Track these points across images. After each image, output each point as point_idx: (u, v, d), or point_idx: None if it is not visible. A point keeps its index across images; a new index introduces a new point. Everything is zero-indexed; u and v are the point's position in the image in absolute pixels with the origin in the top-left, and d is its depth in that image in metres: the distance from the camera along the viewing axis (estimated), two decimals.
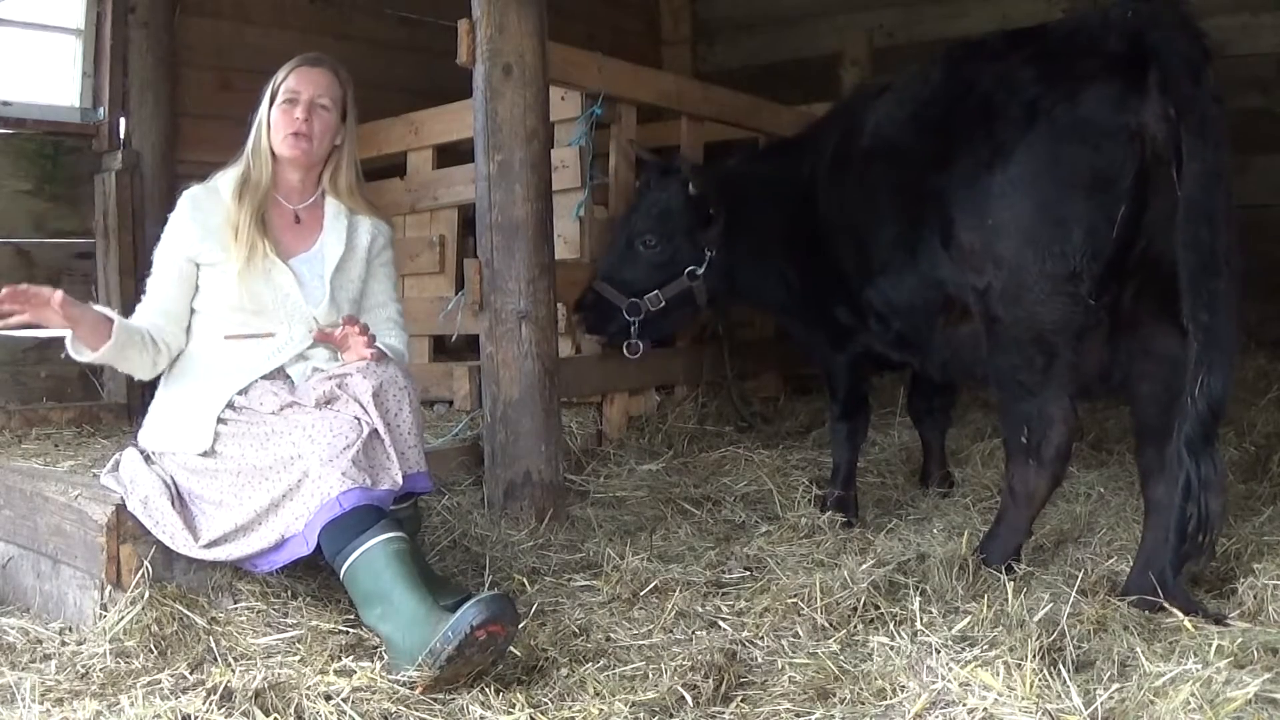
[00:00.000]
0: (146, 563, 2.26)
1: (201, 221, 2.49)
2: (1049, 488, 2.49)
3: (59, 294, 2.24)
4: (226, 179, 2.55)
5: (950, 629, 2.13)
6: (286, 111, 2.52)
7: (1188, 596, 2.24)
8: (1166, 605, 2.19)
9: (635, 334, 3.48)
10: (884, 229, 2.79)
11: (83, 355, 2.36)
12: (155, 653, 2.10)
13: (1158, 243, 2.27)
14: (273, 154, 2.55)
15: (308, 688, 1.90)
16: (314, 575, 2.43)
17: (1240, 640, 1.98)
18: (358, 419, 2.29)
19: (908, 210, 2.68)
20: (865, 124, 2.91)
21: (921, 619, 2.19)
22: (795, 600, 2.31)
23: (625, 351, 3.50)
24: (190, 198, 2.53)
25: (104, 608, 2.24)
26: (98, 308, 2.40)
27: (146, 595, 2.22)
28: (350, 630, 2.22)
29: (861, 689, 1.91)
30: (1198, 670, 1.83)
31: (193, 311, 2.52)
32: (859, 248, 2.93)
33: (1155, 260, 2.27)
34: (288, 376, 2.49)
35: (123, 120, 4.26)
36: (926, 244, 2.62)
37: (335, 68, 2.61)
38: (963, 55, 2.65)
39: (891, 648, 2.07)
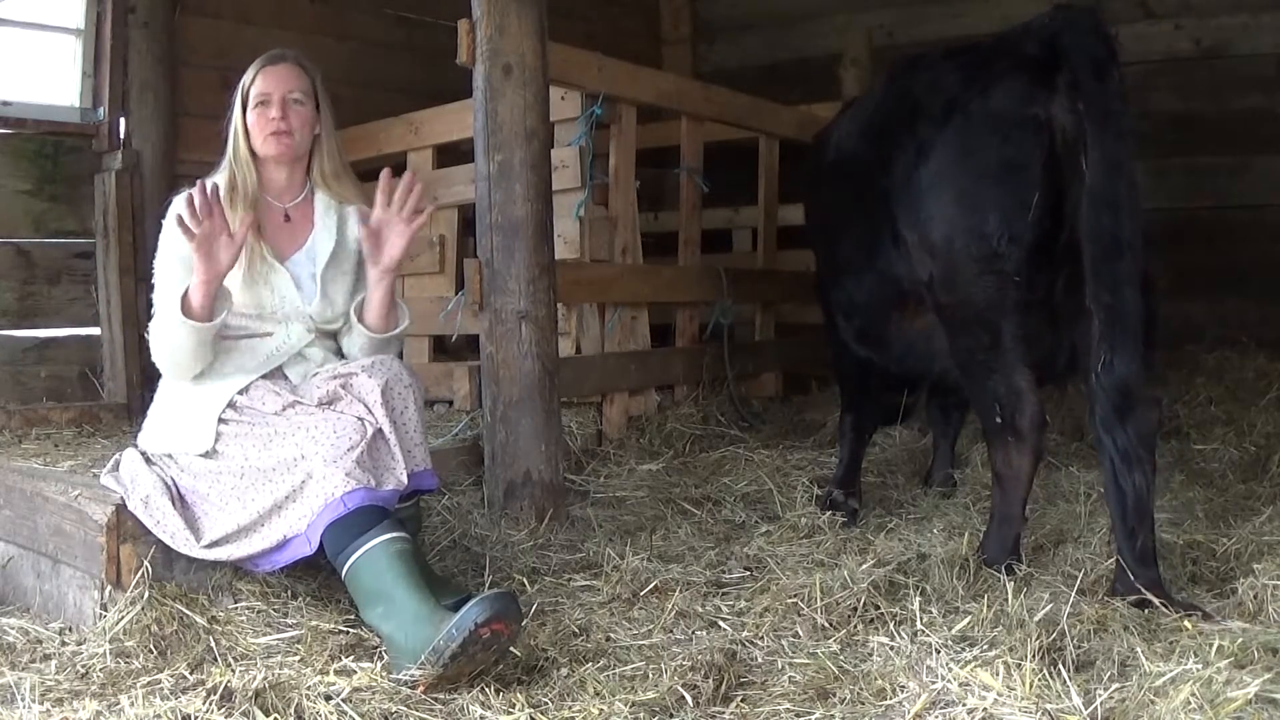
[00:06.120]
0: (146, 563, 2.26)
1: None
2: (1033, 462, 2.53)
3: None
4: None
5: (950, 629, 2.13)
6: (262, 113, 2.52)
7: (1156, 580, 2.25)
8: (1143, 592, 2.20)
9: None
10: (847, 234, 2.99)
11: (192, 319, 2.33)
12: (155, 653, 2.10)
13: (1080, 232, 2.38)
14: (254, 155, 2.55)
15: (308, 688, 1.90)
16: (314, 575, 2.43)
17: (1240, 640, 1.97)
18: (361, 419, 2.29)
19: (864, 215, 2.85)
20: (831, 140, 3.15)
21: (921, 619, 2.18)
22: (795, 600, 2.30)
23: None
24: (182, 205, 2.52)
25: (104, 608, 2.24)
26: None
27: (146, 595, 2.22)
28: (350, 630, 2.22)
29: (861, 689, 1.91)
30: (1198, 670, 1.82)
31: None
32: (830, 252, 3.16)
33: (1081, 251, 2.37)
34: (286, 376, 2.49)
35: (123, 120, 4.26)
36: (882, 245, 2.78)
37: (299, 60, 2.60)
38: (903, 68, 2.84)
39: (891, 648, 2.07)
